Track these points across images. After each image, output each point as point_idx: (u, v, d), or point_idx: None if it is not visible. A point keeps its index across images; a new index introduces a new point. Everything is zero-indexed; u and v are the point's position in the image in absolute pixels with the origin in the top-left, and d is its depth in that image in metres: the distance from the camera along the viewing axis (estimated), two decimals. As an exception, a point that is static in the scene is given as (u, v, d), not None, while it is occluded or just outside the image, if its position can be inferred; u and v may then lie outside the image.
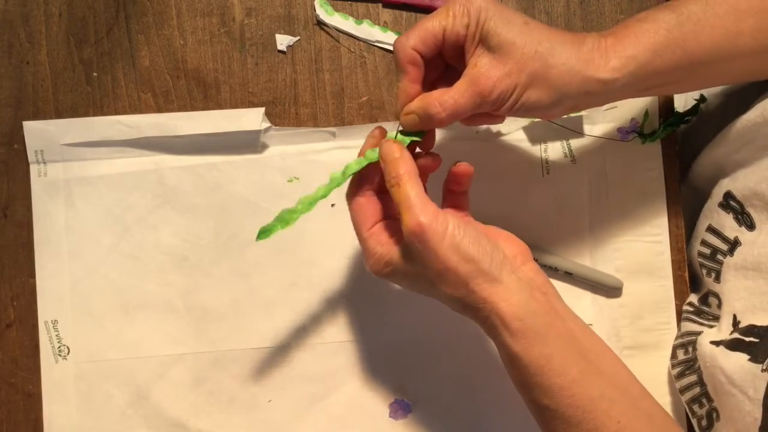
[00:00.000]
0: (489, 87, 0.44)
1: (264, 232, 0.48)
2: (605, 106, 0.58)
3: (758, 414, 0.44)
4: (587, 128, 0.59)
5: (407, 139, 0.47)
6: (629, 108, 0.58)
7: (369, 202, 0.47)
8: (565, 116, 0.57)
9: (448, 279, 0.43)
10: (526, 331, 0.43)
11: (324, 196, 0.48)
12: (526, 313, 0.43)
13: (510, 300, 0.43)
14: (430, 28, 0.45)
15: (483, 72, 0.44)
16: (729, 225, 0.53)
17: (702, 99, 0.59)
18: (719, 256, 0.54)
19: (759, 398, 0.44)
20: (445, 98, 0.45)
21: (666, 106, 0.59)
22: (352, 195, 0.48)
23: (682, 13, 0.46)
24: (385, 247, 0.46)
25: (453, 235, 0.43)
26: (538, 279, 0.45)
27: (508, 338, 0.43)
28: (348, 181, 0.48)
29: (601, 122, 0.59)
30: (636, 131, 0.58)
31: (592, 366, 0.44)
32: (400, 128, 0.48)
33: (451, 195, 0.50)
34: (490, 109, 0.45)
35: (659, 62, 0.45)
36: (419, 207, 0.43)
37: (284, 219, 0.48)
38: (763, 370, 0.44)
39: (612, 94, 0.46)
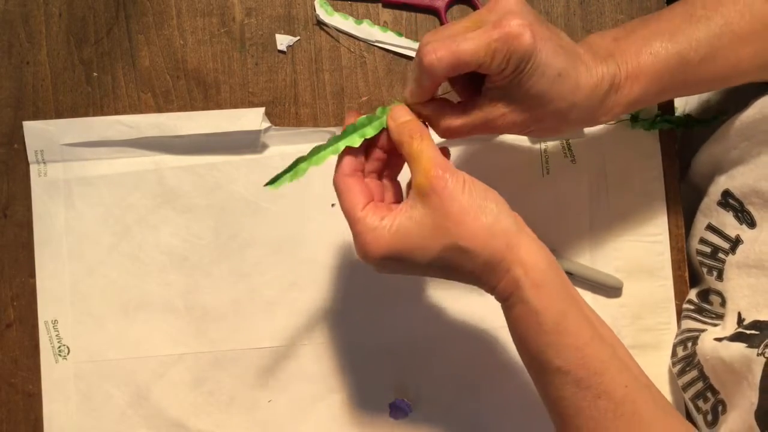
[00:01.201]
0: (501, 129, 0.45)
1: (272, 182, 0.47)
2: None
3: (755, 398, 0.44)
4: (588, 129, 0.59)
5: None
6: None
7: (359, 182, 0.45)
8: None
9: (467, 224, 0.42)
10: (548, 282, 0.42)
11: (336, 151, 0.46)
12: (547, 264, 0.43)
13: (530, 247, 0.42)
14: (465, 59, 0.42)
15: (499, 116, 0.44)
16: (729, 223, 0.53)
17: (723, 112, 0.58)
18: (721, 255, 0.54)
19: (756, 383, 0.44)
20: (457, 125, 0.45)
21: (666, 102, 0.59)
22: (340, 174, 0.45)
23: (690, 46, 0.46)
24: (386, 219, 0.43)
25: (471, 183, 0.43)
26: (539, 241, 0.45)
27: (529, 290, 0.42)
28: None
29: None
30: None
31: (598, 333, 0.44)
32: None
33: None
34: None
35: (662, 95, 0.48)
36: (437, 157, 0.43)
37: (296, 170, 0.47)
38: (758, 354, 0.44)
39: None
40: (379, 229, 0.43)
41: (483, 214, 0.42)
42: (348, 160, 0.46)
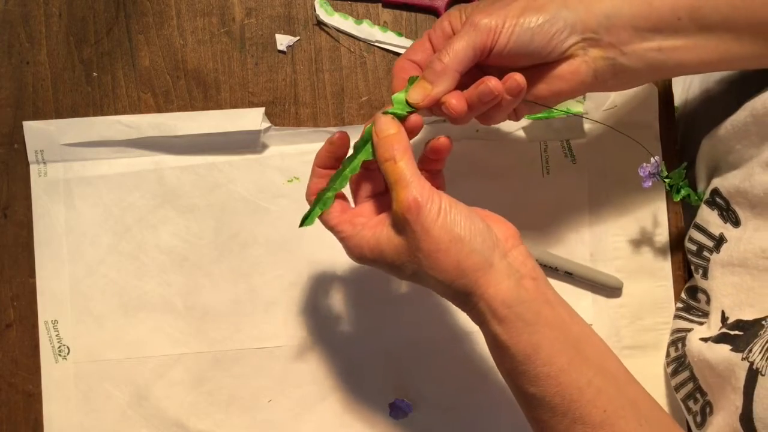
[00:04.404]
0: (482, 18, 0.44)
1: (307, 218, 0.47)
2: (605, 105, 0.58)
3: (739, 402, 0.44)
4: (588, 128, 0.59)
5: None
6: (629, 108, 0.58)
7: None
8: (565, 117, 0.57)
9: (438, 261, 0.42)
10: (515, 319, 0.42)
11: (354, 170, 0.46)
12: (515, 300, 0.42)
13: (499, 286, 0.42)
14: (418, 41, 0.48)
15: (475, 14, 0.44)
16: (714, 221, 0.53)
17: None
18: (705, 253, 0.54)
19: (740, 387, 0.44)
20: (445, 48, 0.45)
21: (666, 102, 0.59)
22: (312, 187, 0.47)
23: None
24: (366, 230, 0.45)
25: (446, 213, 0.42)
26: (528, 263, 0.44)
27: (496, 326, 0.42)
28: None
29: (601, 122, 0.59)
30: (657, 174, 0.54)
31: (580, 354, 0.43)
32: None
33: (427, 175, 0.48)
34: (486, 54, 0.45)
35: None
36: (415, 184, 0.42)
37: (323, 200, 0.46)
38: (743, 359, 0.44)
39: (609, 35, 0.45)
40: (355, 237, 0.45)
41: (453, 250, 0.42)
42: (318, 171, 0.47)
